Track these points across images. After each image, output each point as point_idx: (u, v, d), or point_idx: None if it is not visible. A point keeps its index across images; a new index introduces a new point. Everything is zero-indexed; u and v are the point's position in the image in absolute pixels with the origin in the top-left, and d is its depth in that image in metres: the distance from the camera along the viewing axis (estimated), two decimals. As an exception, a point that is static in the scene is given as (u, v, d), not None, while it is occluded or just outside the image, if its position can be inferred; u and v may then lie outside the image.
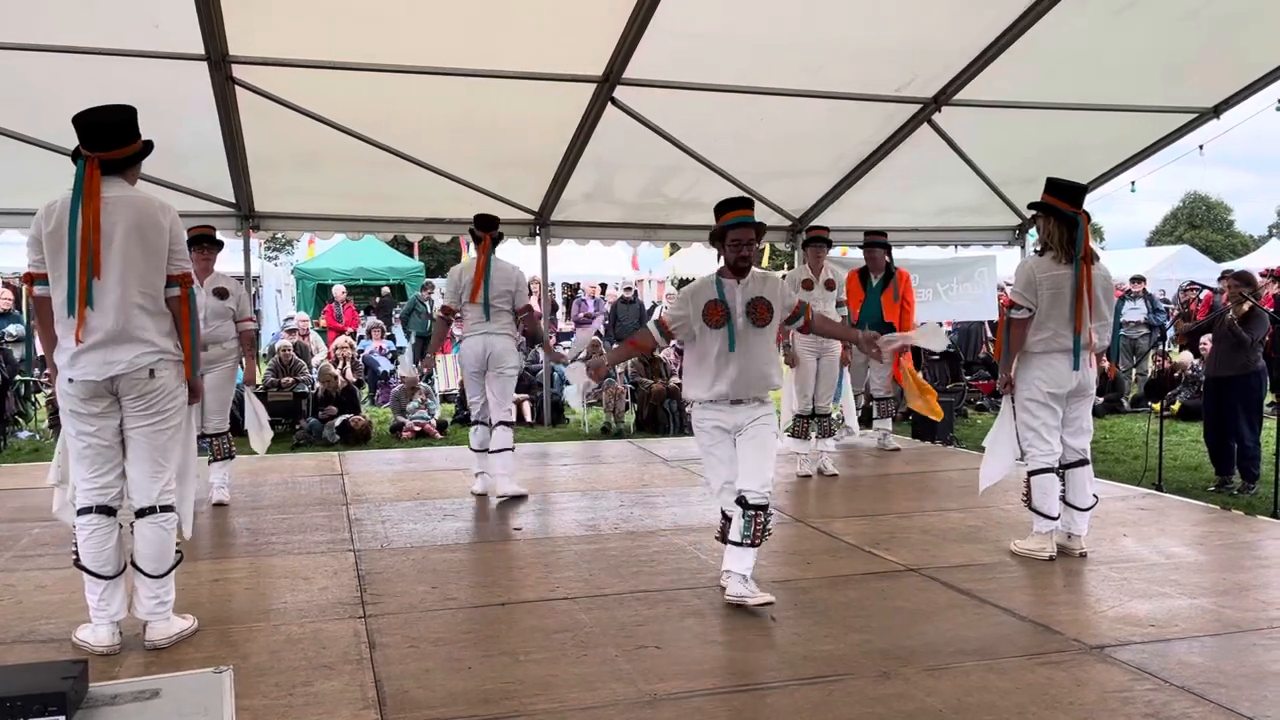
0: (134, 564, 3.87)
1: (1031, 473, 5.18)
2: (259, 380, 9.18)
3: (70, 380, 3.71)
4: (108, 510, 3.82)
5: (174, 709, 1.85)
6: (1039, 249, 5.23)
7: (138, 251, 3.71)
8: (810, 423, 7.63)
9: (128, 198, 3.75)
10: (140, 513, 3.85)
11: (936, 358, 13.67)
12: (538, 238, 10.48)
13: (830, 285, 7.65)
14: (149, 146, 3.89)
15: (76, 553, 3.82)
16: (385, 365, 14.26)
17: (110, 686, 1.93)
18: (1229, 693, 3.42)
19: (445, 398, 12.75)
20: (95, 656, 3.74)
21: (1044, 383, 5.09)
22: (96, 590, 3.80)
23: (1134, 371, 13.90)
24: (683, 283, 21.33)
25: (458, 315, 6.71)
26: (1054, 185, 5.07)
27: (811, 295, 7.33)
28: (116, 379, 3.72)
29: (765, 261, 22.90)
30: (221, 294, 6.44)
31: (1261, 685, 3.51)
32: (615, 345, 12.83)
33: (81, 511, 3.80)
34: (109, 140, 3.74)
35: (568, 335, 15.75)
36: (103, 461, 3.79)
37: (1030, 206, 5.35)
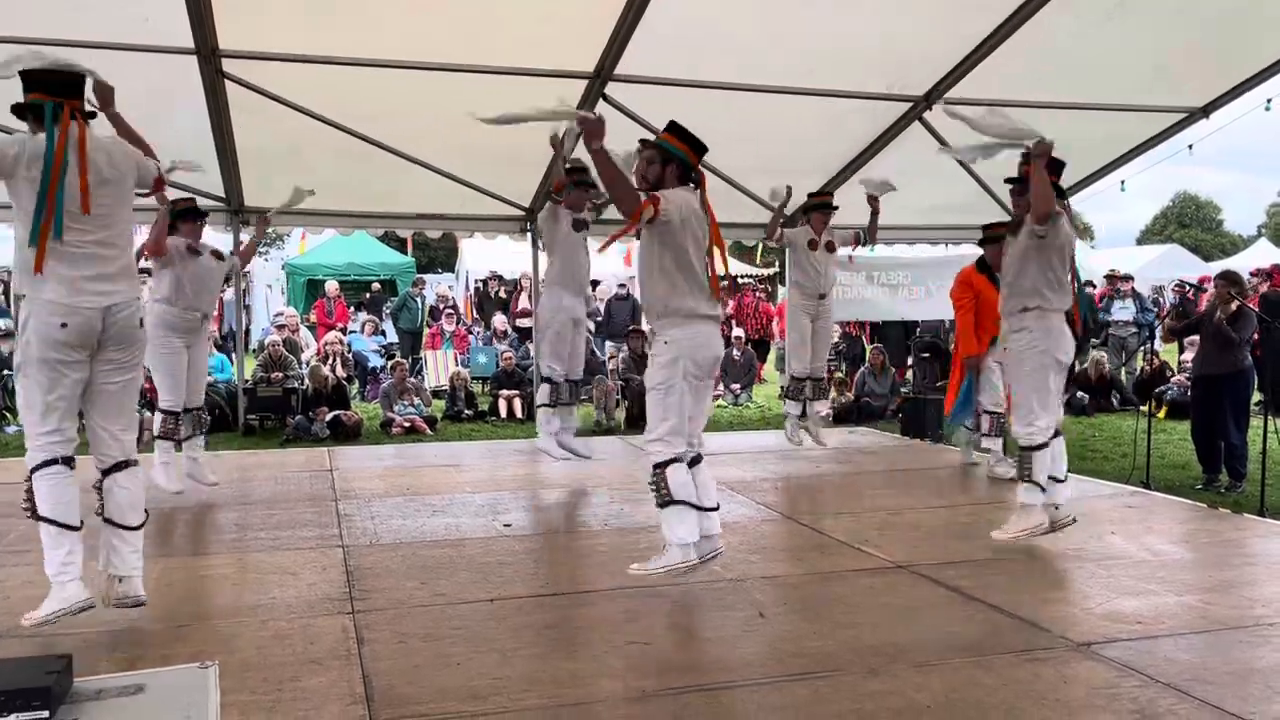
0: (111, 521, 3.90)
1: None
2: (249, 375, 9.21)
3: (63, 325, 3.71)
4: (70, 461, 3.84)
5: (158, 704, 1.84)
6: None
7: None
8: (804, 385, 7.80)
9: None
10: (117, 466, 3.90)
11: (927, 356, 13.70)
12: (529, 234, 10.46)
13: (831, 248, 7.94)
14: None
15: (33, 507, 3.78)
16: (375, 361, 14.24)
17: (95, 681, 1.92)
18: (1215, 689, 3.43)
19: (436, 393, 12.73)
20: (71, 615, 3.78)
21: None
22: (65, 544, 3.77)
23: (1123, 370, 13.95)
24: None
25: None
26: None
27: (815, 256, 7.85)
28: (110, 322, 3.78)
29: (758, 258, 22.91)
30: (219, 255, 6.63)
31: (1247, 682, 3.53)
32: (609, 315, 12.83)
33: (47, 463, 3.78)
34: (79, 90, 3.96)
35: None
36: (72, 411, 3.83)
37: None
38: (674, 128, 4.54)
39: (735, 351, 14.07)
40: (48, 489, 3.76)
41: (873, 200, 7.88)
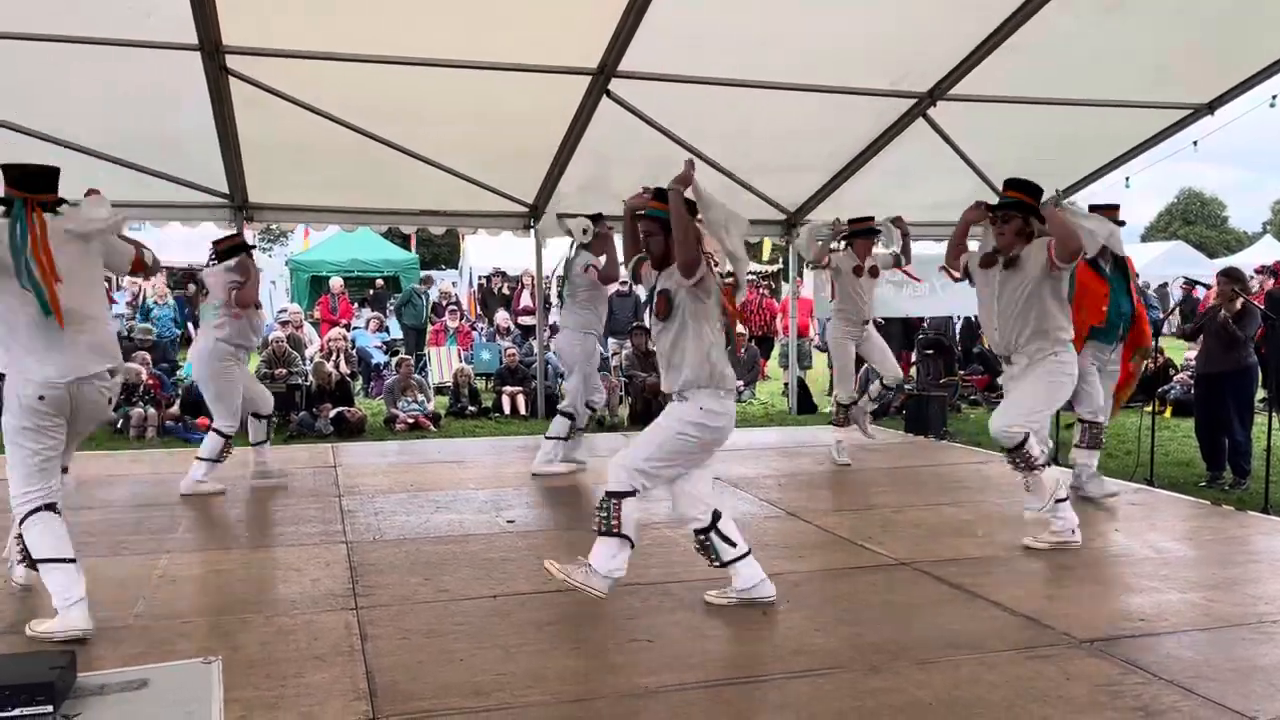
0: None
1: None
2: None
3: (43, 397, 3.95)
4: (56, 507, 4.05)
5: (162, 699, 1.85)
6: None
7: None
8: (849, 410, 7.91)
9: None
10: None
11: (931, 353, 13.69)
12: (532, 230, 10.46)
13: (875, 273, 7.88)
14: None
15: (27, 554, 4.01)
16: (379, 357, 14.24)
17: (98, 676, 1.93)
18: (1218, 686, 3.43)
19: (439, 390, 12.73)
20: (75, 642, 3.77)
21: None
22: (70, 573, 3.92)
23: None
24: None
25: None
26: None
27: (860, 282, 7.75)
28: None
29: (765, 255, 22.83)
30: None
31: (1250, 679, 3.53)
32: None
33: (35, 511, 3.98)
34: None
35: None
36: (56, 468, 4.08)
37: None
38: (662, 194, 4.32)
39: (739, 348, 14.07)
40: (40, 533, 3.98)
41: (900, 223, 7.94)
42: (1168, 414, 11.25)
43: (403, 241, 22.37)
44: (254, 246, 7.47)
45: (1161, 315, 14.21)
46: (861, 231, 7.89)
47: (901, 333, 14.37)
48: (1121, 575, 4.76)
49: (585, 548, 4.28)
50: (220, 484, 6.64)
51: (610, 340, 14.48)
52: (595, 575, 4.13)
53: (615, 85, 8.01)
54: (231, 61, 7.30)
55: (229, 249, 6.82)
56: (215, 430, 6.66)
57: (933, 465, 7.87)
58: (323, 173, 9.21)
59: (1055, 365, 5.17)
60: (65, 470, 4.27)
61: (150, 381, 10.48)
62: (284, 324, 13.22)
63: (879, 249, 8.05)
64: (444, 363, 13.65)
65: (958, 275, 5.75)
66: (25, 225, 3.91)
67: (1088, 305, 6.19)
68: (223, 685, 1.95)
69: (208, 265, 6.94)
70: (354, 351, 13.83)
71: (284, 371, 11.16)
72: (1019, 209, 5.16)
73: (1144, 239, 45.10)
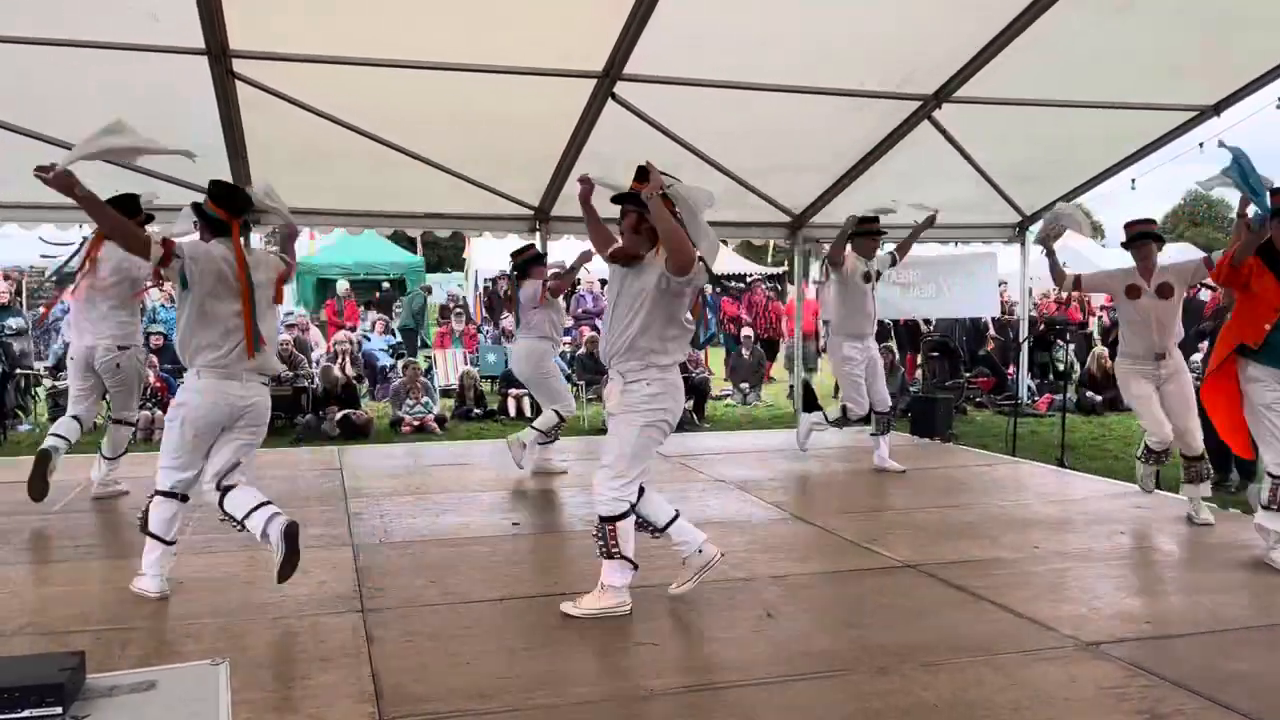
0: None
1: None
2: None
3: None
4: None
5: (170, 701, 1.85)
6: None
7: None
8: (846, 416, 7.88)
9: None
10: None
11: (937, 355, 13.68)
12: (538, 233, 10.47)
13: (876, 276, 7.80)
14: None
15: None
16: (385, 360, 14.28)
17: (107, 678, 1.94)
18: (1225, 689, 3.42)
19: (445, 392, 12.76)
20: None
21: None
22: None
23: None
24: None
25: None
26: None
27: (864, 285, 7.68)
28: None
29: (769, 258, 22.84)
30: None
31: (1257, 681, 3.52)
32: None
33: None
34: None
35: (567, 330, 15.73)
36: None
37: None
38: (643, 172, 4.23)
39: (744, 351, 14.07)
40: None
41: (928, 221, 7.88)
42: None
43: (409, 244, 22.42)
44: (544, 255, 8.00)
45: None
46: (866, 232, 7.69)
47: (906, 334, 14.40)
48: (1127, 578, 4.75)
49: (592, 551, 4.29)
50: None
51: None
52: (611, 593, 4.20)
53: (620, 88, 8.02)
54: (238, 65, 7.33)
55: (525, 261, 7.44)
56: None
57: (938, 468, 7.86)
58: (329, 176, 9.23)
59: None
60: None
61: (157, 384, 10.52)
62: (290, 327, 13.27)
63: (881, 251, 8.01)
64: (450, 365, 13.68)
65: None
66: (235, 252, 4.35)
67: (1252, 318, 5.03)
68: (230, 687, 1.95)
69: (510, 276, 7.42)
70: (360, 355, 13.87)
71: (290, 374, 11.20)
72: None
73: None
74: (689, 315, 4.32)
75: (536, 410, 11.58)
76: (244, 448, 4.43)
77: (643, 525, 4.37)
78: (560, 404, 7.44)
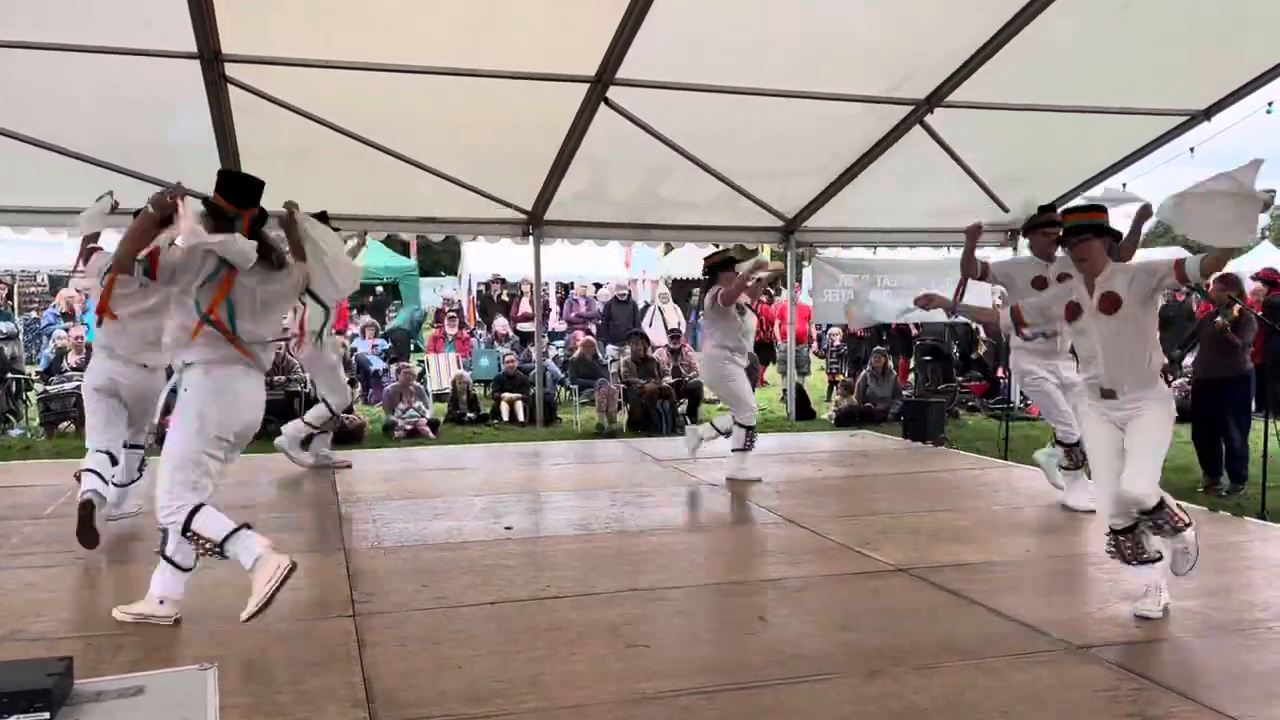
0: None
1: None
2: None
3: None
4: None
5: (158, 706, 1.85)
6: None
7: None
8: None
9: None
10: None
11: (929, 359, 13.70)
12: (531, 237, 10.48)
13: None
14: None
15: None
16: (377, 364, 14.25)
17: (95, 683, 1.93)
18: (1214, 692, 3.43)
19: (438, 396, 12.73)
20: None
21: None
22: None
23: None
24: (677, 283, 21.26)
25: None
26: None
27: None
28: None
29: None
30: None
31: (1246, 685, 3.53)
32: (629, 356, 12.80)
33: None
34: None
35: (560, 335, 15.75)
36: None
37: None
38: None
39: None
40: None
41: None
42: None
43: (402, 248, 22.38)
44: (735, 259, 7.44)
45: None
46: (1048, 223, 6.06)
47: (898, 338, 14.41)
48: (1118, 581, 4.76)
49: (584, 555, 4.28)
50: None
51: (609, 347, 14.50)
52: (152, 600, 4.17)
53: (613, 93, 8.04)
54: (230, 69, 7.33)
55: (713, 266, 7.22)
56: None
57: (930, 471, 7.87)
58: (321, 180, 9.22)
59: (1167, 421, 4.56)
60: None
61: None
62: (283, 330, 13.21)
63: None
64: (443, 369, 13.66)
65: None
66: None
67: None
68: (219, 692, 1.95)
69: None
70: (353, 359, 13.83)
71: (283, 379, 11.17)
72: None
73: (1142, 245, 45.08)
74: None
75: (531, 415, 11.63)
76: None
77: None
78: (738, 411, 7.19)
